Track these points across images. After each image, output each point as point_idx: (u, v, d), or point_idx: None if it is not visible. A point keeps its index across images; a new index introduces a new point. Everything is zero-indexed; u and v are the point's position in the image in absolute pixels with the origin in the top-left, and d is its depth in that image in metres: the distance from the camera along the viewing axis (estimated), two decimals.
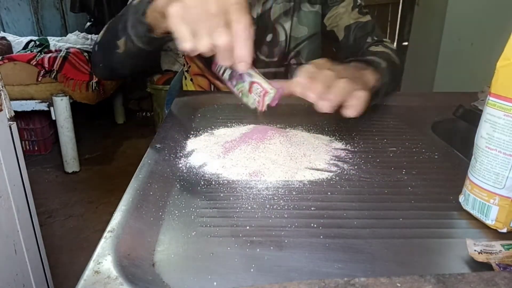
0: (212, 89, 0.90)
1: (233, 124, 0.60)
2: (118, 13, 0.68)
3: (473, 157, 0.37)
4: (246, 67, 0.44)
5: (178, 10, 0.44)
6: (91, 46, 2.62)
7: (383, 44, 0.79)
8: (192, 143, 0.53)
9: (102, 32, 0.68)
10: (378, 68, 0.61)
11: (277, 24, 0.84)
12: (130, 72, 0.81)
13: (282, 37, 0.85)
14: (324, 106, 0.45)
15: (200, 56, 0.85)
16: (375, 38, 0.80)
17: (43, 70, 2.02)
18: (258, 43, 0.85)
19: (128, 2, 0.65)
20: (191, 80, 0.93)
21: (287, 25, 0.85)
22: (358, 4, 0.83)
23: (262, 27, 0.84)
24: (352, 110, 0.47)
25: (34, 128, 2.26)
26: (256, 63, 0.85)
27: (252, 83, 0.49)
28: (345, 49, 0.85)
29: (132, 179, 0.42)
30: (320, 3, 0.85)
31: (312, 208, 0.38)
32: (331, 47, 0.91)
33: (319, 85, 0.45)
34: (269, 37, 0.85)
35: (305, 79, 0.47)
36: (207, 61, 0.85)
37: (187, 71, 0.94)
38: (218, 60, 0.45)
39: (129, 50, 0.61)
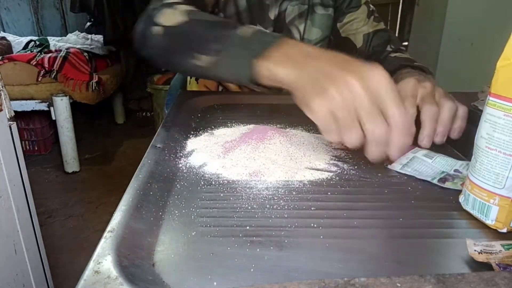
0: (220, 89, 0.90)
1: (233, 124, 0.60)
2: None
3: (473, 157, 0.37)
4: (398, 154, 0.41)
5: (322, 107, 0.40)
6: (92, 46, 2.62)
7: (401, 50, 0.80)
8: (192, 143, 0.53)
9: (174, 18, 0.58)
10: (429, 73, 0.62)
11: (291, 26, 0.84)
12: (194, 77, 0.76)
13: (296, 39, 0.86)
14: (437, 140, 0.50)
15: None
16: (393, 47, 0.81)
17: (43, 70, 2.02)
18: None
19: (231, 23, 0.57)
20: (196, 79, 0.92)
21: (302, 27, 0.85)
22: (371, 10, 0.84)
23: (278, 29, 0.84)
24: (457, 133, 0.51)
25: (34, 128, 2.26)
26: None
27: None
28: (362, 56, 0.85)
29: (132, 179, 0.42)
30: (333, 7, 0.85)
31: (312, 208, 0.38)
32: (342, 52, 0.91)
33: (441, 125, 0.49)
34: None
35: (431, 130, 0.49)
36: None
37: None
38: (367, 152, 0.41)
39: (210, 71, 0.54)
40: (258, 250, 0.32)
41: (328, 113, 0.40)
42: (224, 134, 0.55)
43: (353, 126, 0.39)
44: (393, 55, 0.78)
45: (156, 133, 0.56)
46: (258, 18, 0.82)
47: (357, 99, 0.39)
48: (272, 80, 0.47)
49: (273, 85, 0.48)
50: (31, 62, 2.03)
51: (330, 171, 0.46)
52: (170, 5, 0.60)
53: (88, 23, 3.06)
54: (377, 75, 0.39)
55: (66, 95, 2.00)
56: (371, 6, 0.85)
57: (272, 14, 0.82)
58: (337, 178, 0.44)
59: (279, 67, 0.45)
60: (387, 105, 0.39)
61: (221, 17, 0.60)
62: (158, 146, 0.51)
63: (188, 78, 0.96)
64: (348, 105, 0.39)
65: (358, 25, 0.84)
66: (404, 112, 0.39)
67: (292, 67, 0.44)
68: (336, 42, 0.90)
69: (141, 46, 0.63)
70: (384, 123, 0.39)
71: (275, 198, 0.40)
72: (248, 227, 0.35)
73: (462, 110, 0.51)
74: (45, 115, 2.14)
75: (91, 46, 2.63)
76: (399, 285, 0.23)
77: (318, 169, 0.46)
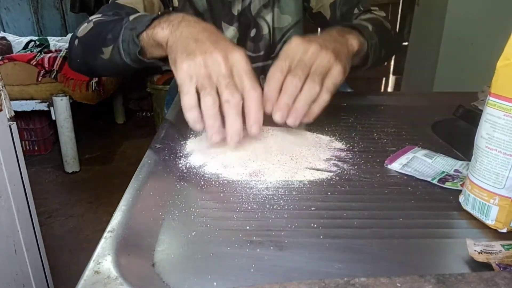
0: None
1: None
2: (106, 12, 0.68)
3: (473, 157, 0.37)
4: (258, 130, 0.46)
5: (188, 68, 0.45)
6: None
7: (371, 12, 0.78)
8: (192, 143, 0.53)
9: (85, 28, 0.66)
10: (364, 31, 0.61)
11: (258, 18, 0.84)
12: (109, 75, 0.81)
13: (265, 30, 0.85)
14: (289, 121, 0.48)
15: None
16: (362, 8, 0.79)
17: (43, 70, 2.02)
18: (242, 40, 0.85)
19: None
20: None
21: (269, 17, 0.84)
22: None
23: (244, 24, 0.84)
24: (306, 119, 0.49)
25: (34, 128, 2.26)
26: None
27: None
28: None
29: (132, 179, 0.42)
30: None
31: (312, 208, 0.38)
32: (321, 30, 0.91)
33: (284, 100, 0.48)
34: (252, 33, 0.85)
35: (272, 92, 0.48)
36: None
37: None
38: (226, 123, 0.45)
39: (114, 60, 0.60)
40: (258, 250, 0.32)
41: (189, 74, 0.45)
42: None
43: (210, 91, 0.44)
44: (363, 17, 0.77)
45: (156, 133, 0.56)
46: (221, 16, 0.82)
47: (218, 70, 0.44)
48: (153, 44, 0.54)
49: (155, 53, 0.55)
50: (31, 62, 2.03)
51: (330, 171, 0.46)
52: (89, 21, 0.67)
53: None
54: (238, 54, 0.46)
55: (66, 95, 2.00)
56: None
57: (235, 10, 0.82)
58: (337, 178, 0.44)
59: (158, 29, 0.52)
60: (242, 80, 0.45)
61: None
62: (158, 146, 0.51)
63: None
64: (209, 73, 0.44)
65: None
66: (255, 87, 0.45)
67: (167, 27, 0.51)
68: (311, 21, 0.90)
69: (69, 61, 0.71)
70: (239, 94, 0.44)
71: (275, 198, 0.40)
72: (248, 227, 0.35)
73: (322, 99, 0.49)
74: (45, 115, 2.14)
75: None
76: (399, 285, 0.23)
77: (318, 169, 0.46)
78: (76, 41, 0.67)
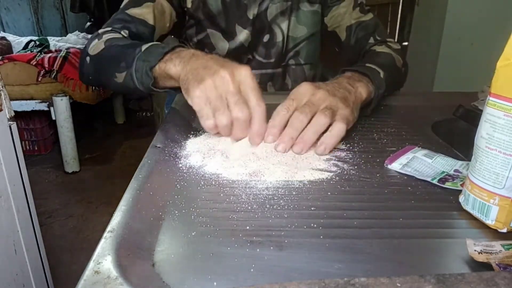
0: None
1: None
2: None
3: (473, 157, 0.37)
4: (260, 141, 0.49)
5: (201, 93, 0.49)
6: None
7: (387, 44, 0.78)
8: (192, 143, 0.53)
9: (96, 47, 0.68)
10: (375, 79, 0.61)
11: (273, 25, 0.84)
12: (123, 94, 0.81)
13: (279, 38, 0.85)
14: (295, 149, 0.49)
15: None
16: (378, 38, 0.79)
17: (43, 70, 2.02)
18: (254, 44, 0.85)
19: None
20: None
21: (284, 25, 0.84)
22: (359, 2, 0.82)
23: (258, 28, 0.83)
24: (321, 148, 0.49)
25: (34, 128, 2.27)
26: (252, 64, 0.85)
27: None
28: (347, 50, 0.84)
29: (132, 179, 0.42)
30: (319, 2, 0.84)
31: (312, 208, 0.38)
32: (332, 47, 0.91)
33: (289, 132, 0.49)
34: (265, 38, 0.85)
35: (275, 128, 0.49)
36: None
37: None
38: (233, 132, 0.50)
39: (128, 84, 0.62)
40: (258, 250, 0.32)
41: (203, 98, 0.49)
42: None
43: (223, 109, 0.48)
44: (376, 48, 0.77)
45: (156, 133, 0.56)
46: (235, 18, 0.82)
47: (226, 87, 0.48)
48: (166, 77, 0.57)
49: (168, 84, 0.59)
50: (31, 62, 2.03)
51: (330, 171, 0.46)
52: (99, 35, 0.70)
53: (88, 23, 3.06)
54: (244, 71, 0.49)
55: (66, 95, 2.00)
56: None
57: (251, 14, 0.81)
58: (337, 178, 0.44)
59: (171, 64, 0.55)
60: (248, 96, 0.49)
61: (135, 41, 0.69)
62: (158, 146, 0.51)
63: None
64: (220, 92, 0.48)
65: (343, 17, 0.82)
66: (260, 103, 0.48)
67: (180, 64, 0.54)
68: (325, 37, 0.90)
69: (80, 75, 0.73)
70: (247, 109, 0.48)
71: (275, 198, 0.40)
72: (248, 227, 0.35)
73: (337, 128, 0.49)
74: (45, 115, 2.14)
75: None
76: (399, 285, 0.23)
77: (318, 169, 0.46)
78: (88, 58, 0.69)
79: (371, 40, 0.80)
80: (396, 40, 0.83)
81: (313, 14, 0.85)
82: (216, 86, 0.48)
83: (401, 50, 0.78)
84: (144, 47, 0.60)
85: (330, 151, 0.50)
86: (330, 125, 0.49)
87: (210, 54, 0.55)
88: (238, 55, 0.84)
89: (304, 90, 0.52)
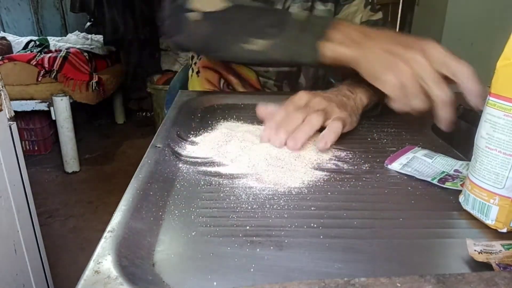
0: (222, 84, 0.88)
1: (233, 124, 0.60)
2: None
3: (473, 157, 0.37)
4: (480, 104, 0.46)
5: (396, 81, 0.48)
6: (92, 46, 2.62)
7: None
8: (192, 143, 0.53)
9: (213, 3, 0.59)
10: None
11: None
12: (237, 63, 0.77)
13: None
14: (289, 144, 0.48)
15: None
16: None
17: (43, 70, 2.03)
18: None
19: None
20: (197, 73, 0.90)
21: None
22: (370, 1, 0.83)
23: None
24: (322, 143, 0.48)
25: (34, 128, 2.27)
26: (265, 66, 0.85)
27: None
28: None
29: (132, 179, 0.42)
30: (332, 1, 0.84)
31: (312, 208, 0.38)
32: None
33: (284, 127, 0.48)
34: None
35: (270, 129, 0.49)
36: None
37: (195, 63, 0.91)
38: (438, 116, 0.48)
39: (269, 55, 0.57)
40: (258, 250, 0.32)
41: (399, 84, 0.47)
42: (224, 133, 0.55)
43: (419, 93, 0.46)
44: None
45: (156, 133, 0.56)
46: None
47: (423, 70, 0.46)
48: (335, 59, 0.53)
49: (334, 63, 0.54)
50: (31, 62, 2.03)
51: (330, 171, 0.46)
52: None
53: (88, 23, 3.06)
54: (434, 48, 0.47)
55: (66, 95, 2.00)
56: None
57: None
58: (337, 178, 0.44)
59: (343, 47, 0.52)
60: (450, 67, 0.46)
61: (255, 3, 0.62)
62: (158, 146, 0.51)
63: (190, 72, 0.94)
64: (416, 76, 0.46)
65: (354, 16, 0.82)
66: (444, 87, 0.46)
67: (355, 47, 0.51)
68: None
69: (174, 33, 0.63)
70: (448, 88, 0.46)
71: (275, 198, 0.40)
72: (248, 227, 0.35)
73: (333, 125, 0.49)
74: (45, 115, 2.14)
75: (91, 46, 2.63)
76: (399, 285, 0.23)
77: (318, 169, 0.46)
78: (199, 15, 0.60)
79: None
80: None
81: (326, 13, 0.85)
82: (411, 69, 0.47)
83: None
84: (294, 14, 0.56)
85: (329, 148, 0.50)
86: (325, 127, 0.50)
87: (381, 30, 0.52)
88: None
89: (301, 96, 0.52)
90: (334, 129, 0.49)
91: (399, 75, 0.47)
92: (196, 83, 0.90)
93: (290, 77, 0.89)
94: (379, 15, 0.82)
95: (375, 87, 0.61)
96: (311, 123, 0.48)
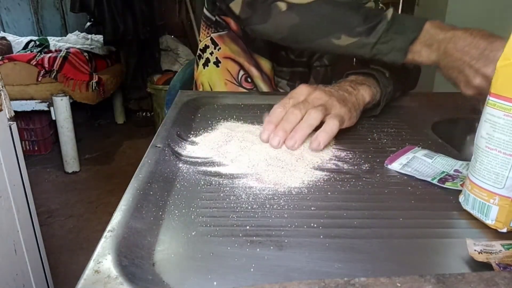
0: (240, 77, 0.87)
1: (233, 124, 0.60)
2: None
3: (473, 157, 0.37)
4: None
5: (472, 92, 0.52)
6: (92, 46, 2.62)
7: None
8: (192, 143, 0.53)
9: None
10: (381, 79, 0.62)
11: None
12: (312, 51, 0.80)
13: None
14: (288, 143, 0.48)
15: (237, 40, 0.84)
16: None
17: (43, 70, 2.03)
18: None
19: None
20: (217, 64, 0.88)
21: None
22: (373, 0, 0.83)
23: None
24: (315, 144, 0.48)
25: (34, 128, 2.27)
26: (283, 61, 0.86)
27: None
28: None
29: (132, 179, 0.42)
30: None
31: (312, 208, 0.38)
32: None
33: (282, 126, 0.48)
34: None
35: (271, 123, 0.49)
36: (248, 45, 0.84)
37: (211, 53, 0.89)
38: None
39: (353, 51, 0.59)
40: (258, 250, 0.32)
41: (475, 94, 0.52)
42: (224, 134, 0.55)
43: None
44: None
45: (156, 133, 0.56)
46: None
47: None
48: (416, 61, 0.56)
49: (412, 62, 0.57)
50: (31, 62, 2.03)
51: (330, 171, 0.46)
52: None
53: (88, 23, 3.06)
54: None
55: (66, 95, 2.00)
56: None
57: None
58: (337, 178, 0.44)
59: (428, 51, 0.55)
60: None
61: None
62: (158, 146, 0.51)
63: (201, 63, 0.91)
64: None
65: None
66: None
67: (436, 52, 0.54)
68: None
69: (257, 21, 0.65)
70: None
71: (275, 198, 0.40)
72: (248, 227, 0.35)
73: (329, 125, 0.49)
74: (45, 115, 2.14)
75: (91, 46, 2.63)
76: (399, 285, 0.23)
77: (318, 169, 0.46)
78: (288, 6, 0.61)
79: None
80: None
81: None
82: (484, 88, 0.49)
83: None
84: (389, 15, 0.56)
85: (325, 147, 0.50)
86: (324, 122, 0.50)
87: (467, 35, 0.52)
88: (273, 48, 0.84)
89: (301, 90, 0.53)
90: (329, 129, 0.49)
91: (473, 90, 0.51)
92: (214, 74, 0.88)
93: (303, 77, 0.89)
94: (372, 3, 0.82)
95: (378, 82, 0.61)
96: (309, 121, 0.48)
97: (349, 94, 0.56)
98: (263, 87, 0.86)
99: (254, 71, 0.86)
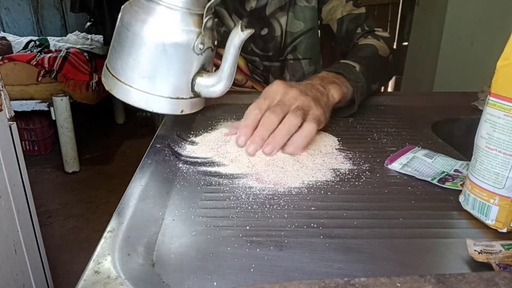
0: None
1: (233, 124, 0.60)
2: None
3: (473, 157, 0.37)
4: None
5: None
6: (92, 46, 2.61)
7: (373, 34, 0.79)
8: (192, 143, 0.53)
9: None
10: (351, 75, 0.62)
11: (272, 19, 0.85)
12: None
13: (277, 32, 0.86)
14: (266, 150, 0.47)
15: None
16: (366, 28, 0.81)
17: (43, 70, 2.03)
18: (251, 36, 0.85)
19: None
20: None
21: (283, 20, 0.85)
22: None
23: (256, 21, 0.84)
24: (291, 149, 0.47)
25: (34, 128, 2.26)
26: (250, 55, 0.87)
27: None
28: (339, 42, 0.86)
29: (132, 179, 0.42)
30: None
31: (312, 208, 0.38)
32: (330, 42, 0.92)
33: (260, 133, 0.47)
34: (264, 31, 0.85)
35: (248, 128, 0.48)
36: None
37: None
38: None
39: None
40: (258, 250, 0.32)
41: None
42: (224, 134, 0.55)
43: None
44: (359, 41, 0.78)
45: (156, 133, 0.56)
46: (233, 9, 0.83)
47: None
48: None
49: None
50: (31, 62, 2.03)
51: (330, 171, 0.46)
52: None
53: (88, 23, 3.06)
54: None
55: (66, 95, 2.00)
56: None
57: (248, 7, 0.82)
58: (337, 178, 0.44)
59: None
60: None
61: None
62: (158, 146, 0.51)
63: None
64: None
65: (335, 10, 0.84)
66: None
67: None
68: (322, 32, 0.91)
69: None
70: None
71: (275, 198, 0.40)
72: (248, 227, 0.35)
73: (307, 129, 0.48)
74: (45, 115, 2.13)
75: (91, 46, 2.63)
76: (399, 285, 0.23)
77: (318, 169, 0.46)
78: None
79: (359, 30, 0.81)
80: (396, 40, 0.84)
81: (309, 10, 0.86)
82: None
83: (390, 38, 0.80)
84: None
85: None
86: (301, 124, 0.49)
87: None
88: None
89: (276, 89, 0.51)
90: (306, 132, 0.48)
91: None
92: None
93: (272, 72, 0.91)
94: (362, 9, 0.83)
95: (348, 79, 0.61)
96: (288, 126, 0.47)
97: (321, 95, 0.55)
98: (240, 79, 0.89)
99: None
